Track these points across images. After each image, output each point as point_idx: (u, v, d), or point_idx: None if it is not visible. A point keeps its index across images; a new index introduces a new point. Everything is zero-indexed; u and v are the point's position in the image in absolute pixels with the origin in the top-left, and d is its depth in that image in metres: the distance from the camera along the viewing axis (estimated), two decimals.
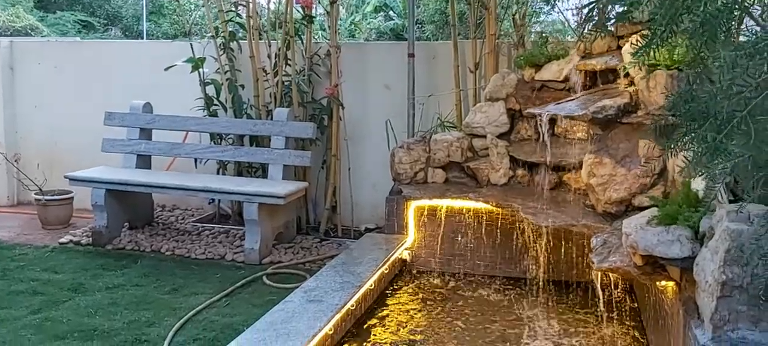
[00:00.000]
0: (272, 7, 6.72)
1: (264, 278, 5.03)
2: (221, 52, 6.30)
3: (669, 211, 3.08)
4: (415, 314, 4.44)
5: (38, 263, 5.31)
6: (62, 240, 5.89)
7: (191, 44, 6.37)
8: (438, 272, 5.15)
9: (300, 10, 6.15)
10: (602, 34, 3.43)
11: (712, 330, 2.59)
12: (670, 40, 1.95)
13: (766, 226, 2.18)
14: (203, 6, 6.63)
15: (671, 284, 3.20)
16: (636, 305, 4.50)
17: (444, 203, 5.07)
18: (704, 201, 3.03)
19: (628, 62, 4.31)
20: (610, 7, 3.64)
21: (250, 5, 6.17)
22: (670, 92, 3.79)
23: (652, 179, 4.06)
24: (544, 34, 5.61)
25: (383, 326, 4.21)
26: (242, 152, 6.10)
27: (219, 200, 6.55)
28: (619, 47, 4.67)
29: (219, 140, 6.37)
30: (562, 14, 6.22)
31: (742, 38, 2.35)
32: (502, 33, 6.06)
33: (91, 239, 5.83)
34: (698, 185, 3.17)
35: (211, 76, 6.37)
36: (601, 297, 4.25)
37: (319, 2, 6.59)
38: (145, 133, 6.28)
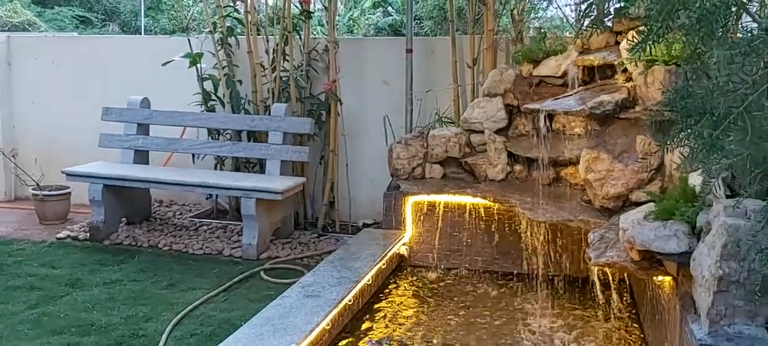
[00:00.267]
0: (270, 2, 6.71)
1: (262, 273, 5.03)
2: (219, 48, 6.29)
3: (666, 206, 3.09)
4: (413, 309, 4.44)
5: (35, 258, 5.30)
6: (60, 235, 5.88)
7: (189, 40, 6.36)
8: (436, 267, 5.15)
9: (298, 5, 6.14)
10: (600, 30, 3.43)
11: (708, 325, 2.59)
12: (666, 37, 1.95)
13: (763, 221, 2.19)
14: (201, 2, 6.61)
15: (668, 279, 3.21)
16: (633, 300, 4.50)
17: (442, 199, 5.07)
18: (701, 196, 3.04)
19: (626, 58, 4.31)
20: (607, 2, 3.64)
21: (248, 1, 6.16)
22: (667, 88, 3.79)
23: (650, 174, 4.06)
24: (542, 30, 5.60)
25: (381, 321, 4.22)
26: (240, 148, 6.10)
27: (216, 196, 6.54)
28: (617, 43, 4.67)
29: (217, 136, 6.37)
30: (561, 10, 6.22)
31: (738, 35, 2.35)
32: (501, 28, 6.05)
33: (88, 234, 5.83)
34: (695, 180, 3.17)
35: (209, 71, 6.36)
36: (598, 292, 4.25)
37: None
38: (143, 129, 6.28)
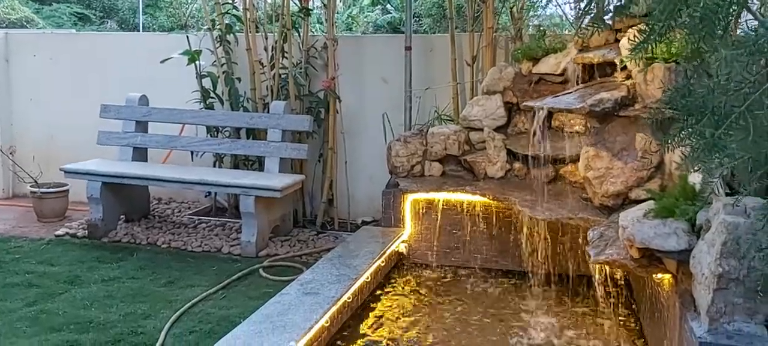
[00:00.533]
0: None
1: (260, 270, 5.02)
2: (218, 45, 6.28)
3: (666, 204, 3.08)
4: (412, 306, 4.44)
5: (34, 255, 5.29)
6: (58, 233, 5.88)
7: (188, 37, 6.35)
8: (435, 265, 5.15)
9: (297, 2, 6.13)
10: (601, 28, 3.41)
11: (708, 322, 2.59)
12: (668, 35, 1.94)
13: (763, 219, 2.18)
14: None
15: (668, 276, 3.20)
16: (633, 298, 4.50)
17: (441, 196, 5.06)
18: (701, 194, 3.03)
19: (626, 55, 4.30)
20: (607, 0, 3.63)
21: None
22: (667, 86, 3.79)
23: (649, 172, 4.06)
24: (541, 28, 5.59)
25: (379, 318, 4.21)
26: (239, 145, 6.09)
27: (215, 193, 6.53)
28: (617, 40, 4.66)
29: (215, 133, 6.36)
30: (560, 8, 6.21)
31: (738, 32, 2.35)
32: (500, 26, 6.04)
33: (87, 231, 5.82)
34: (695, 178, 3.17)
35: (208, 68, 6.35)
36: (597, 290, 4.25)
37: None
38: (142, 126, 6.27)
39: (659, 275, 3.27)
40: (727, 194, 2.84)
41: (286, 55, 6.17)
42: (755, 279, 2.51)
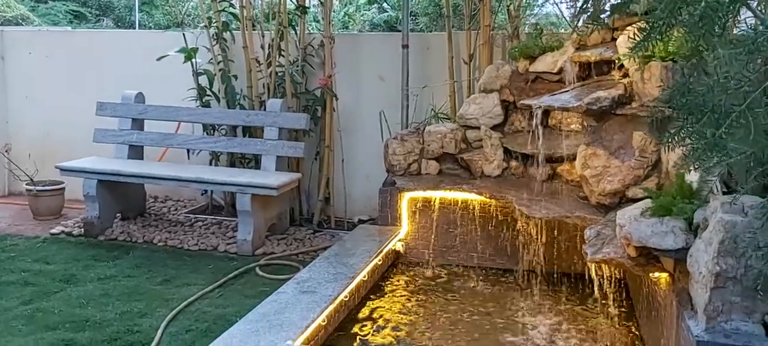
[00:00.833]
0: None
1: (257, 269, 5.01)
2: (214, 43, 6.27)
3: (663, 202, 3.08)
4: (408, 305, 4.43)
5: (29, 253, 5.27)
6: (54, 231, 5.86)
7: (184, 34, 6.33)
8: (431, 263, 5.14)
9: (293, 0, 6.11)
10: (600, 27, 3.42)
11: (705, 321, 2.59)
12: (668, 34, 1.94)
13: (761, 218, 2.18)
14: None
15: (665, 275, 3.20)
16: (629, 296, 4.51)
17: (437, 195, 5.06)
18: (698, 193, 3.03)
19: (623, 54, 4.30)
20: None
21: None
22: (665, 84, 3.79)
23: (646, 170, 4.06)
24: (538, 26, 5.59)
25: (376, 317, 4.21)
26: (235, 143, 6.08)
27: (211, 191, 6.52)
28: (614, 39, 4.67)
29: (212, 131, 6.34)
30: (557, 6, 6.22)
31: (735, 31, 2.34)
32: (497, 24, 6.04)
33: (82, 229, 5.80)
34: (692, 176, 3.17)
35: (204, 66, 6.34)
36: (594, 288, 4.25)
37: None
38: (138, 124, 6.25)
39: (656, 274, 3.27)
40: (724, 193, 2.84)
41: (282, 53, 6.15)
42: (753, 278, 2.51)
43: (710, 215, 2.75)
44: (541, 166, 4.87)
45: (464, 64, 5.92)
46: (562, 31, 5.84)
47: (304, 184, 6.31)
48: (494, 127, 5.17)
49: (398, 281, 4.87)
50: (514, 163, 5.09)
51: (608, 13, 4.56)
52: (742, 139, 1.77)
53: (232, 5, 6.45)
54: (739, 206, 2.62)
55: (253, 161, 6.25)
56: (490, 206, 4.94)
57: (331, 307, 3.79)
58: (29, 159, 6.77)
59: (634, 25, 4.21)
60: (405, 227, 5.17)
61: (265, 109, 6.04)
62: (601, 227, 3.78)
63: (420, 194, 5.11)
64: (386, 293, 4.61)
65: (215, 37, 6.26)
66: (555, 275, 4.85)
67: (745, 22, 1.90)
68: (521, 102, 4.97)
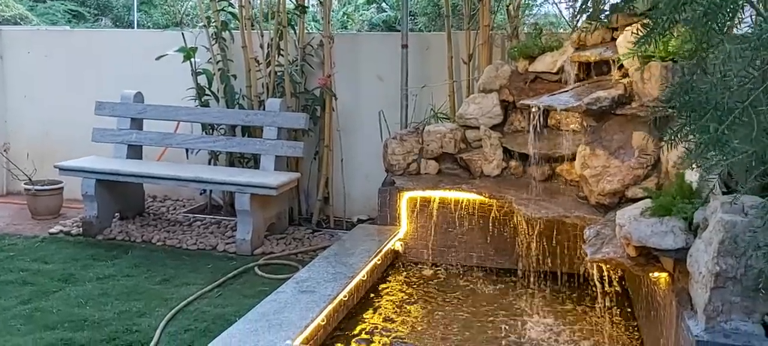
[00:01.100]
0: None
1: (256, 268, 5.01)
2: (213, 42, 6.26)
3: (663, 202, 3.08)
4: (408, 305, 4.43)
5: (28, 253, 5.27)
6: (52, 230, 5.85)
7: (183, 34, 6.33)
8: (431, 263, 5.14)
9: (292, 0, 6.11)
10: (601, 25, 3.41)
11: (705, 321, 2.59)
12: (671, 30, 1.94)
13: (763, 218, 2.18)
14: None
15: (664, 275, 3.20)
16: (629, 296, 4.50)
17: (437, 195, 5.05)
18: (698, 193, 3.03)
19: (623, 54, 4.30)
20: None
21: None
22: (665, 84, 3.79)
23: (646, 170, 4.06)
24: (538, 26, 5.59)
25: (376, 316, 4.20)
26: (234, 143, 6.07)
27: (210, 191, 6.52)
28: (614, 39, 4.66)
29: (211, 131, 6.34)
30: (557, 6, 6.22)
31: (735, 30, 2.34)
32: (496, 24, 6.04)
33: (81, 229, 5.80)
34: (692, 176, 3.17)
35: (203, 66, 6.33)
36: (593, 288, 4.25)
37: None
38: (136, 123, 6.25)
39: (656, 274, 3.27)
40: (724, 193, 2.84)
41: (281, 52, 6.15)
42: (753, 278, 2.51)
43: (710, 215, 2.75)
44: (540, 166, 4.87)
45: (463, 64, 5.92)
46: (561, 30, 5.84)
47: (303, 183, 6.30)
48: (493, 127, 5.17)
49: (397, 280, 4.86)
50: (513, 163, 5.09)
51: (608, 12, 4.57)
52: (744, 138, 1.77)
53: (231, 4, 6.45)
54: (739, 205, 2.62)
55: (252, 161, 6.25)
56: (489, 205, 4.94)
57: (331, 307, 3.78)
58: (28, 159, 6.75)
59: (635, 24, 4.23)
60: (404, 226, 5.17)
61: (264, 109, 6.04)
62: (600, 226, 3.77)
63: (419, 194, 5.10)
64: (385, 293, 4.60)
65: (214, 37, 6.25)
66: (554, 275, 4.84)
67: (751, 18, 1.90)
68: (521, 102, 4.97)
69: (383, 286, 4.71)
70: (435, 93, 5.94)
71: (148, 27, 15.14)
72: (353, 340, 3.87)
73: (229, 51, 6.34)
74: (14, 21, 12.13)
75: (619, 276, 4.49)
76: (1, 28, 7.41)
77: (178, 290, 4.56)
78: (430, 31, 10.39)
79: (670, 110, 2.30)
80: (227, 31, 6.33)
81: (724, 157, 1.88)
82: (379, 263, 4.70)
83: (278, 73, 6.19)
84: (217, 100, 6.33)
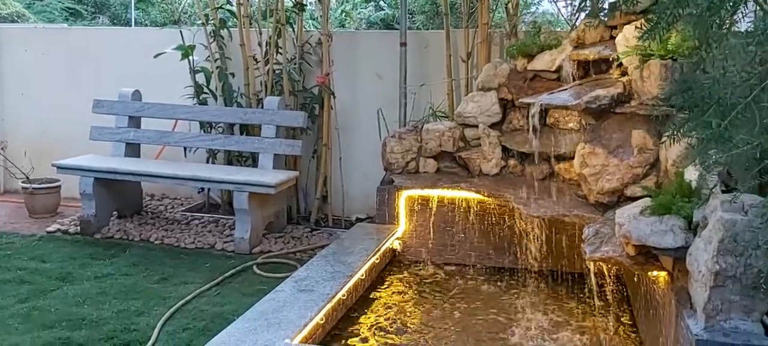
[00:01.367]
0: None
1: (254, 267, 5.00)
2: (211, 40, 6.24)
3: (662, 201, 3.08)
4: (406, 304, 4.42)
5: (25, 251, 5.25)
6: (50, 229, 5.83)
7: (181, 32, 6.31)
8: (429, 262, 5.13)
9: None
10: (599, 22, 3.40)
11: (705, 320, 2.59)
12: (675, 25, 1.93)
13: (763, 217, 2.18)
14: None
15: (663, 274, 3.20)
16: (627, 295, 4.50)
17: (435, 193, 5.05)
18: (698, 191, 3.03)
19: (622, 52, 4.30)
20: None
21: None
22: (665, 82, 3.79)
23: (645, 169, 4.06)
24: (536, 24, 5.58)
25: (374, 315, 4.20)
26: (232, 141, 6.06)
27: (208, 189, 6.50)
28: (613, 37, 4.65)
29: (209, 129, 6.32)
30: (555, 5, 6.21)
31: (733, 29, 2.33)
32: (495, 23, 6.03)
33: (79, 227, 5.78)
34: (691, 175, 3.17)
35: (201, 64, 6.31)
36: (593, 287, 4.25)
37: None
38: (134, 122, 6.23)
39: (655, 273, 3.27)
40: (723, 192, 2.83)
41: (280, 50, 6.14)
42: (752, 277, 2.51)
43: (710, 214, 2.75)
44: (539, 165, 4.87)
45: (462, 62, 5.91)
46: (559, 30, 5.83)
47: (301, 182, 6.29)
48: (492, 126, 5.16)
49: (396, 279, 4.86)
50: (512, 161, 5.08)
51: (607, 10, 4.56)
52: (746, 134, 1.76)
53: (229, 2, 6.43)
54: (739, 204, 2.62)
55: (251, 159, 6.23)
56: (488, 204, 4.94)
57: (329, 305, 3.78)
58: (25, 157, 6.74)
59: (634, 22, 4.22)
60: (403, 225, 5.16)
61: (262, 107, 6.03)
62: (599, 225, 3.77)
63: (418, 193, 5.10)
64: (384, 292, 4.60)
65: (212, 35, 6.24)
66: (553, 274, 4.84)
67: (755, 13, 1.89)
68: (520, 100, 4.96)
69: (382, 285, 4.70)
70: (434, 91, 5.94)
71: (146, 25, 15.12)
72: (352, 339, 3.86)
73: (228, 49, 6.33)
74: (11, 19, 12.10)
75: (617, 275, 4.49)
76: None
77: (177, 289, 4.55)
78: (427, 29, 10.39)
79: (670, 108, 2.30)
80: (225, 29, 6.31)
81: (726, 152, 1.88)
82: (377, 261, 4.70)
83: (276, 72, 6.18)
84: (216, 98, 6.32)
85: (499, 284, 4.81)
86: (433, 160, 5.28)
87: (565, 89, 4.67)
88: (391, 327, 4.03)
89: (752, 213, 2.55)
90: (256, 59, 6.22)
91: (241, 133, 6.24)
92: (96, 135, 6.19)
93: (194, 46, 6.23)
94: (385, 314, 4.22)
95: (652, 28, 1.94)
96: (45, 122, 7.06)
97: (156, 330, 3.90)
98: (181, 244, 5.53)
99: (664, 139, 2.58)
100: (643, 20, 2.18)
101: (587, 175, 4.24)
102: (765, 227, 2.26)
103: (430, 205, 5.08)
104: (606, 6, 4.85)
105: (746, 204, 2.61)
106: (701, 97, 1.88)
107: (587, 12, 4.94)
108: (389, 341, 3.86)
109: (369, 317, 4.16)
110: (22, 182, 6.33)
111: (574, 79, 4.79)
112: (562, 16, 6.17)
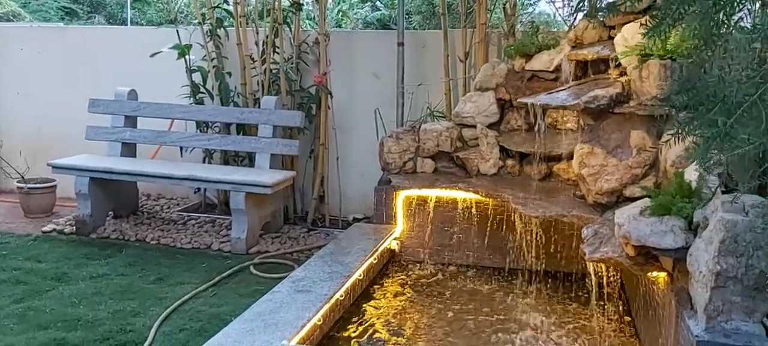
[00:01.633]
0: None
1: (251, 267, 4.97)
2: (208, 39, 6.22)
3: (662, 201, 3.06)
4: (404, 304, 4.41)
5: (21, 251, 5.22)
6: (45, 229, 5.80)
7: (177, 31, 6.29)
8: (427, 262, 5.12)
9: None
10: (597, 22, 3.39)
11: (705, 321, 2.58)
12: (680, 22, 1.91)
13: (764, 218, 2.16)
14: None
15: (663, 274, 3.19)
16: (626, 296, 4.49)
17: (433, 193, 5.03)
18: (698, 192, 3.02)
19: (621, 52, 4.29)
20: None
21: None
22: (664, 82, 3.78)
23: (644, 169, 4.05)
24: (534, 24, 5.57)
25: (372, 316, 4.18)
26: (229, 141, 6.03)
27: (205, 189, 6.48)
28: (611, 37, 4.64)
29: (205, 128, 6.30)
30: (552, 4, 6.20)
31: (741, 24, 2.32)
32: (492, 23, 6.02)
33: (74, 227, 5.75)
34: (691, 175, 3.16)
35: (198, 63, 6.29)
36: (591, 288, 4.23)
37: None
38: (130, 121, 6.20)
39: (655, 273, 3.26)
40: (723, 192, 2.82)
41: (277, 50, 6.11)
42: (753, 277, 2.49)
43: (710, 214, 2.74)
44: (537, 165, 4.85)
45: (460, 62, 5.89)
46: (555, 30, 5.82)
47: (298, 182, 6.27)
48: (490, 126, 5.15)
49: (394, 279, 4.84)
50: (510, 161, 5.07)
51: (605, 10, 4.54)
52: (752, 132, 1.75)
53: (225, 2, 6.41)
54: (739, 205, 2.61)
55: (247, 159, 6.21)
56: (486, 204, 4.92)
57: (327, 306, 3.76)
58: (20, 156, 6.70)
59: (629, 23, 4.21)
60: (400, 225, 5.14)
61: (259, 107, 6.00)
62: (598, 226, 3.76)
63: (415, 193, 5.08)
64: (381, 292, 4.58)
65: (209, 34, 6.22)
66: (551, 274, 4.83)
67: (760, 10, 1.88)
68: (518, 100, 4.94)
69: (379, 285, 4.68)
70: (431, 91, 5.92)
71: (142, 24, 15.07)
72: (349, 340, 3.84)
73: (224, 48, 6.31)
74: (7, 18, 12.05)
75: (616, 275, 4.47)
76: None
77: (173, 290, 4.52)
78: (424, 29, 10.37)
79: (669, 108, 2.28)
80: (222, 29, 6.29)
81: (730, 151, 1.86)
82: (375, 262, 4.68)
83: (273, 71, 6.15)
84: (212, 97, 6.29)
85: (497, 284, 4.79)
86: (431, 160, 5.26)
87: (564, 89, 4.66)
88: (388, 328, 4.02)
89: (753, 214, 2.54)
90: (253, 59, 6.20)
91: (238, 133, 6.22)
92: (92, 135, 6.16)
93: (191, 45, 6.20)
94: (383, 315, 4.20)
95: (657, 25, 1.92)
96: (41, 121, 7.03)
97: (152, 331, 3.87)
98: (177, 244, 5.50)
99: (666, 138, 2.57)
100: (647, 17, 2.16)
101: (586, 175, 4.22)
102: (766, 227, 2.24)
103: (428, 205, 5.06)
104: (603, 5, 4.83)
105: (747, 205, 2.60)
106: (705, 96, 1.86)
107: (585, 12, 4.93)
108: (387, 342, 3.84)
109: (367, 318, 4.14)
110: (18, 182, 6.29)
111: (572, 80, 4.77)
112: (559, 16, 6.16)
